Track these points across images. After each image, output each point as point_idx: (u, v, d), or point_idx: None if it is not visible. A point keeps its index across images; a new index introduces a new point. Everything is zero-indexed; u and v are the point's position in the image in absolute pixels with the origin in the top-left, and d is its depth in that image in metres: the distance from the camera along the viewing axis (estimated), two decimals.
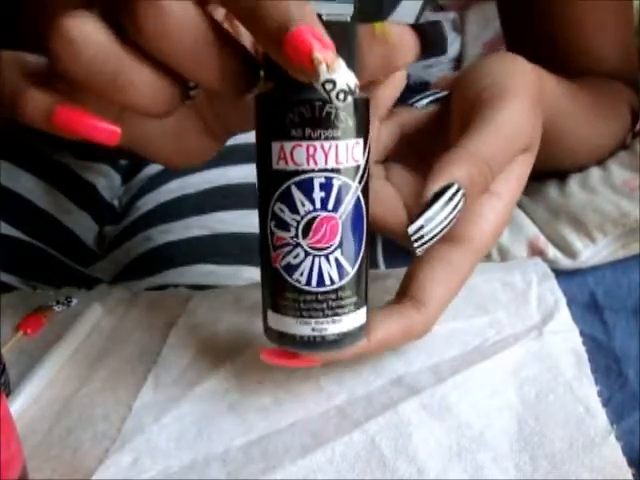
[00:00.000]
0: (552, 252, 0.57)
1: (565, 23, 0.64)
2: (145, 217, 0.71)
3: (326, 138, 0.34)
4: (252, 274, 0.63)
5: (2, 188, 0.71)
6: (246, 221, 0.67)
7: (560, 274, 0.51)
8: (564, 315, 0.47)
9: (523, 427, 0.39)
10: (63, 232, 0.72)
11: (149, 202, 0.72)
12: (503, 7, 0.69)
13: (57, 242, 0.70)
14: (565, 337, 0.45)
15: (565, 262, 0.56)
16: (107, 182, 0.77)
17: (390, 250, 0.66)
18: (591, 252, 0.56)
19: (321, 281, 0.36)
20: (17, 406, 0.44)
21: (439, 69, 1.32)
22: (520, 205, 0.61)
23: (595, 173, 0.60)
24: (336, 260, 0.36)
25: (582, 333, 0.45)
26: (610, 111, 0.62)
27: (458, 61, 1.36)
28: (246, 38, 0.36)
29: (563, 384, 0.41)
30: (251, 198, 0.68)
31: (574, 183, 0.59)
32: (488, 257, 0.59)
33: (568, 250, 0.56)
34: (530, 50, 0.62)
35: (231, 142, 0.74)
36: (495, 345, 0.45)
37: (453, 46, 1.29)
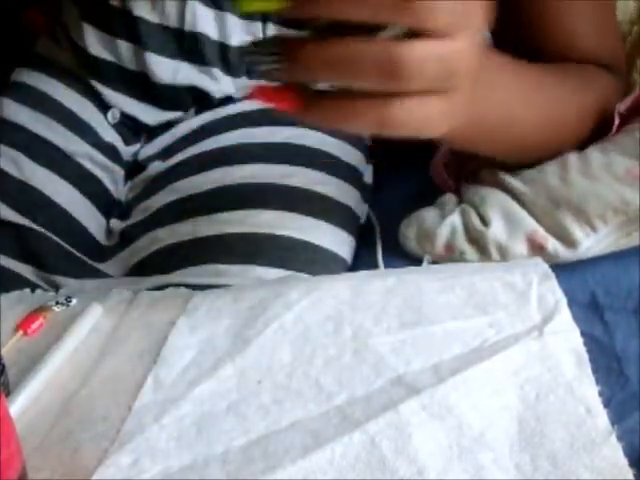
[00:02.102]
0: (552, 245, 0.56)
1: (546, 13, 0.64)
2: (152, 217, 0.71)
3: None
4: (261, 273, 0.63)
5: (11, 177, 0.71)
6: (253, 221, 0.67)
7: (561, 274, 0.51)
8: (565, 315, 0.47)
9: (524, 427, 0.39)
10: (71, 223, 0.72)
11: (155, 202, 0.72)
12: None
13: (66, 233, 0.71)
14: (566, 337, 0.45)
15: (566, 254, 0.56)
16: (111, 177, 0.77)
17: (390, 250, 0.66)
18: (592, 241, 0.55)
19: None
20: (17, 406, 0.44)
21: None
22: (519, 196, 0.60)
23: (596, 159, 0.59)
24: None
25: (583, 333, 0.45)
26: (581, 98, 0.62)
27: None
28: None
29: (564, 384, 0.41)
30: (256, 197, 0.69)
31: (575, 171, 0.58)
32: (488, 256, 0.58)
33: (568, 240, 0.55)
34: (512, 40, 0.62)
35: (233, 142, 0.76)
36: (495, 345, 0.45)
37: None
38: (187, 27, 0.71)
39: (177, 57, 0.74)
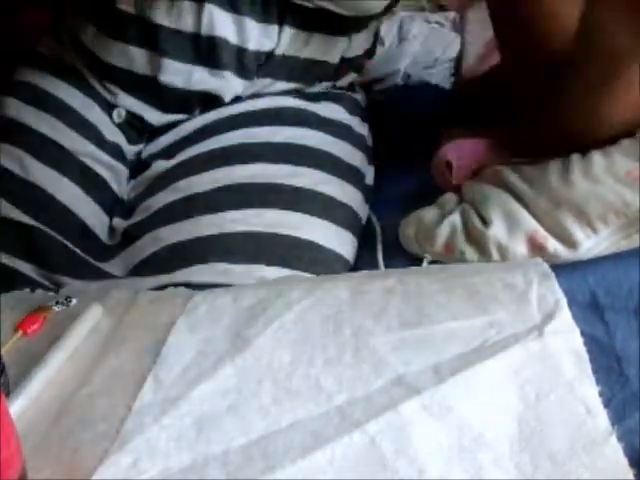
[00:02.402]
0: (552, 245, 0.56)
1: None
2: (154, 216, 0.71)
3: None
4: (264, 272, 0.63)
5: (15, 176, 0.71)
6: (256, 220, 0.67)
7: (561, 274, 0.51)
8: (565, 315, 0.47)
9: (524, 427, 0.39)
10: (75, 222, 0.72)
11: (158, 201, 0.72)
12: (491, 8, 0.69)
13: (69, 232, 0.71)
14: (566, 337, 0.45)
15: (566, 254, 0.56)
16: (115, 176, 0.77)
17: (390, 250, 0.66)
18: (592, 243, 0.55)
19: None
20: (17, 406, 0.44)
21: (439, 69, 1.32)
22: (520, 195, 0.60)
23: (597, 161, 0.59)
24: None
25: (583, 333, 0.45)
26: None
27: (458, 61, 1.36)
28: None
29: (564, 384, 0.41)
30: (259, 197, 0.69)
31: (577, 172, 0.59)
32: (488, 257, 0.58)
33: (569, 241, 0.56)
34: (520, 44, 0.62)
35: (236, 141, 0.76)
36: (496, 345, 0.45)
37: (453, 46, 1.28)
38: (204, 31, 0.72)
39: (192, 62, 0.74)
